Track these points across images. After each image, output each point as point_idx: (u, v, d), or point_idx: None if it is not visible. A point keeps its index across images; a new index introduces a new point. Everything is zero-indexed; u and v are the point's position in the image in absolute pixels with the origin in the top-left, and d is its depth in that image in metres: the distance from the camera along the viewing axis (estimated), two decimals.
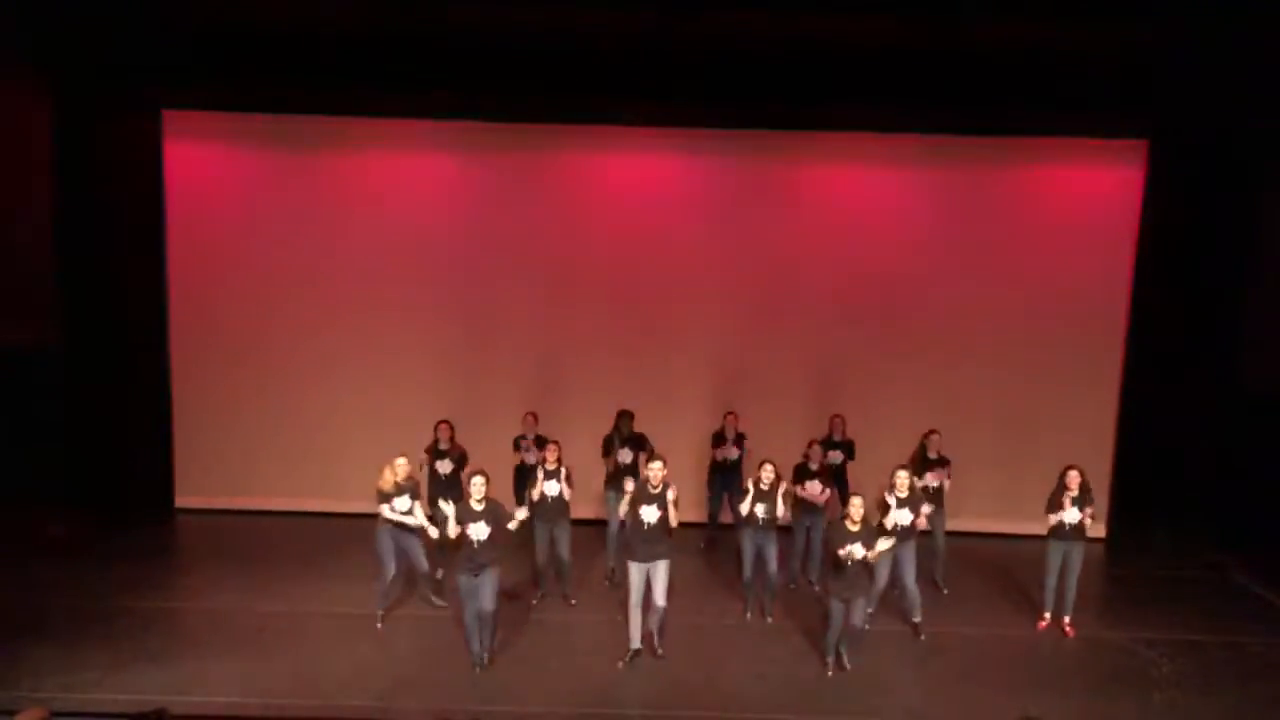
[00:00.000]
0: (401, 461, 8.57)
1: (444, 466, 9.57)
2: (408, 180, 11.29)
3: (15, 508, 10.55)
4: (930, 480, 9.51)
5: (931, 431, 9.66)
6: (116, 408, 11.19)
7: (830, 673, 7.97)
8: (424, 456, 9.52)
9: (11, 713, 5.42)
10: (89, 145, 10.92)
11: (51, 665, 7.75)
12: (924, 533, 9.27)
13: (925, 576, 9.70)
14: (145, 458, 11.44)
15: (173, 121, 11.18)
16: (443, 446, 9.64)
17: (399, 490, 8.45)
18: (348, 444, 11.43)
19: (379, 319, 11.37)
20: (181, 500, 11.62)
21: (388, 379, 11.43)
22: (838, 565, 7.83)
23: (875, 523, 8.28)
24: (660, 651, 8.15)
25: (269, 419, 11.47)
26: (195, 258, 11.29)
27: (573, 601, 9.18)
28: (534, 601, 9.16)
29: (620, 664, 8.01)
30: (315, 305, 11.36)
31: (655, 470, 8.07)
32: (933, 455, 9.60)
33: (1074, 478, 8.69)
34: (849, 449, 10.28)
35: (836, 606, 7.88)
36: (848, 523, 7.88)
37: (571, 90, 10.49)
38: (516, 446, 10.03)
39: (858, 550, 7.76)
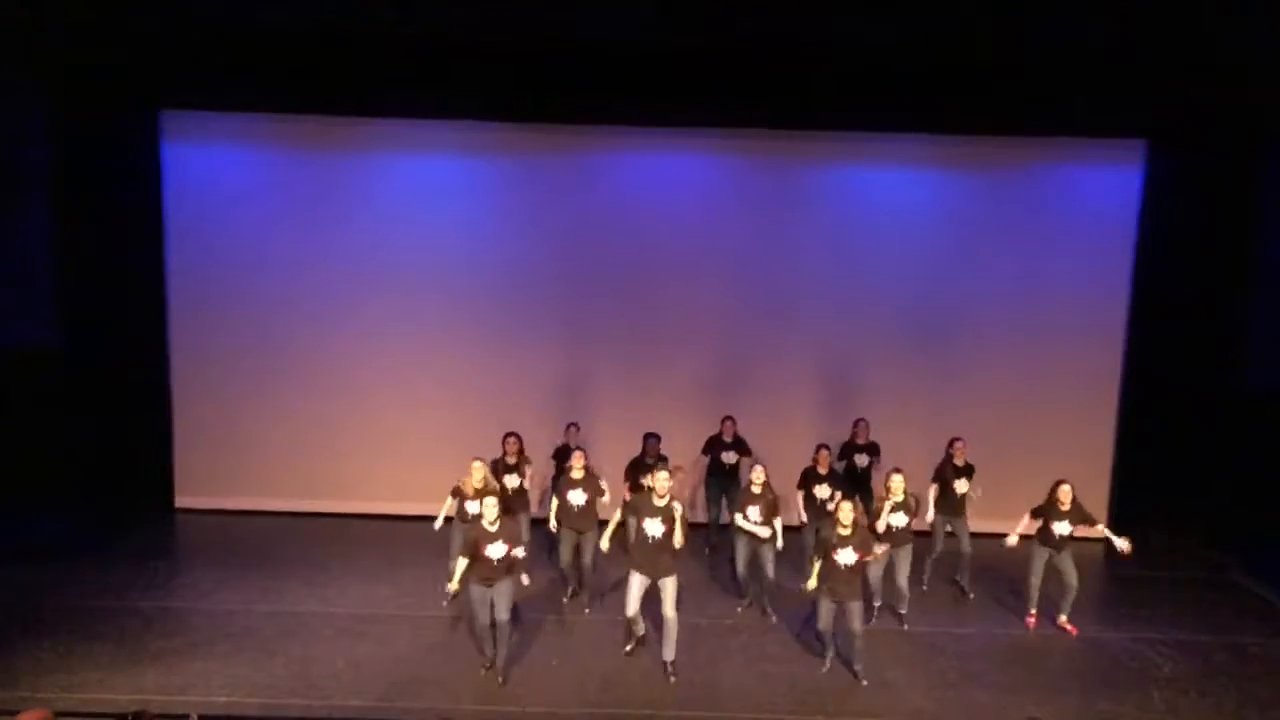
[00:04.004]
0: (476, 465, 8.58)
1: (511, 481, 9.30)
2: (408, 180, 11.27)
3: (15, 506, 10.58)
4: (959, 487, 9.55)
5: (956, 439, 9.67)
6: (116, 408, 11.19)
7: (824, 669, 7.98)
8: (491, 478, 8.85)
9: (12, 713, 5.42)
10: (88, 145, 10.91)
11: (51, 665, 7.75)
12: (922, 533, 9.30)
13: (947, 579, 9.76)
14: (145, 458, 11.45)
15: (171, 122, 11.18)
16: (510, 461, 9.40)
17: (476, 495, 8.29)
18: (348, 444, 11.44)
19: (380, 318, 11.36)
20: (181, 500, 11.62)
21: (389, 378, 11.43)
22: (831, 569, 7.83)
23: (866, 525, 8.30)
24: (673, 679, 7.88)
25: (269, 419, 11.46)
26: (195, 258, 11.28)
27: (586, 610, 9.12)
28: (565, 600, 9.19)
29: (625, 651, 8.06)
30: (316, 305, 11.35)
31: (662, 481, 7.86)
32: (959, 463, 9.61)
33: (1065, 493, 8.68)
34: (874, 451, 10.30)
35: (826, 605, 7.87)
36: (838, 527, 7.88)
37: (580, 90, 10.46)
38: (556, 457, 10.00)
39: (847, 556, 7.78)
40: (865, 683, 7.88)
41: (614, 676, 7.89)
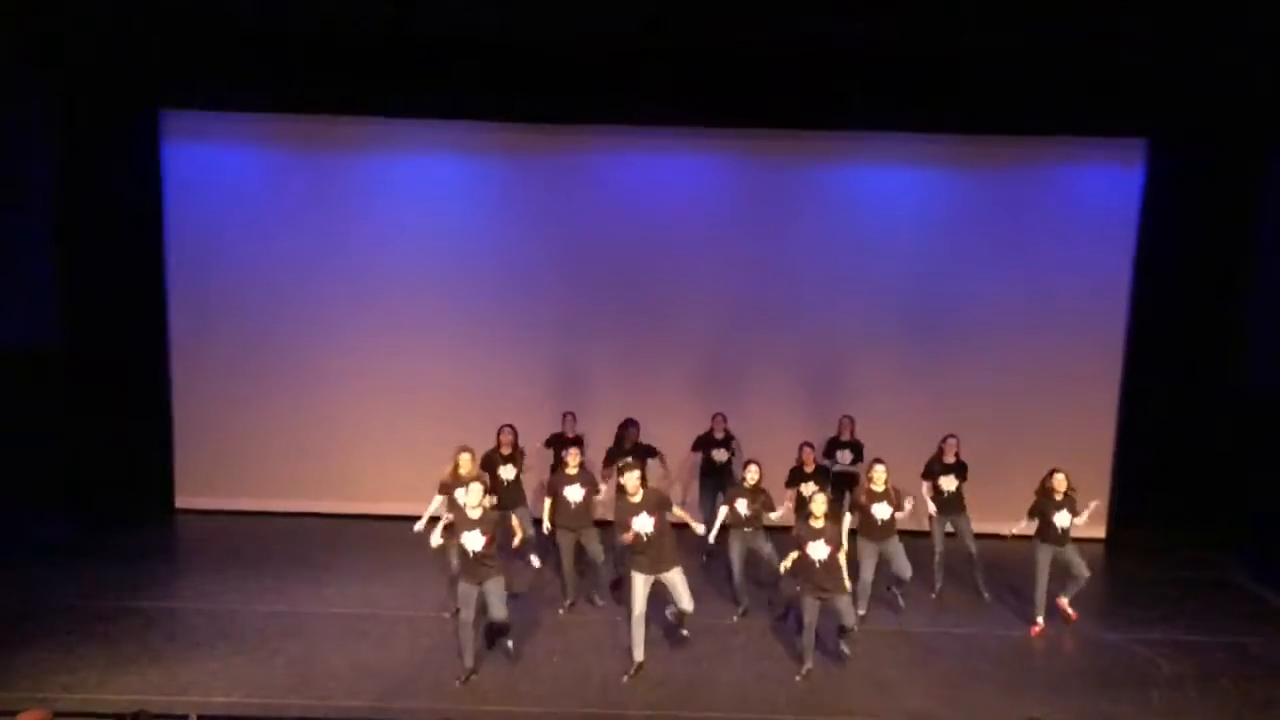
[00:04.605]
0: (465, 456, 8.47)
1: (506, 473, 9.24)
2: (408, 180, 11.28)
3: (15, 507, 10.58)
4: (945, 485, 9.51)
5: (949, 436, 9.64)
6: (116, 408, 11.17)
7: (799, 678, 7.86)
8: (482, 473, 8.87)
9: (12, 713, 5.43)
10: (89, 145, 10.91)
11: (51, 665, 7.75)
12: (923, 533, 9.30)
13: (951, 581, 9.70)
14: (145, 458, 11.44)
15: (171, 121, 11.18)
16: (504, 452, 9.33)
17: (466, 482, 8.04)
18: (348, 444, 11.45)
19: (380, 318, 11.36)
20: (181, 500, 11.62)
21: (389, 378, 11.42)
22: (804, 562, 7.81)
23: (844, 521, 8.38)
24: (685, 633, 8.09)
25: (269, 419, 11.46)
26: (195, 258, 11.28)
27: (600, 603, 9.13)
28: (561, 611, 9.03)
29: (625, 678, 7.81)
30: (316, 305, 11.35)
31: (631, 480, 7.76)
32: (949, 460, 9.57)
33: (1060, 481, 8.60)
34: (858, 450, 10.27)
35: (810, 602, 7.85)
36: (810, 520, 7.85)
37: (579, 90, 10.47)
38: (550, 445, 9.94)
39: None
40: (847, 651, 7.96)
41: (614, 677, 7.87)
